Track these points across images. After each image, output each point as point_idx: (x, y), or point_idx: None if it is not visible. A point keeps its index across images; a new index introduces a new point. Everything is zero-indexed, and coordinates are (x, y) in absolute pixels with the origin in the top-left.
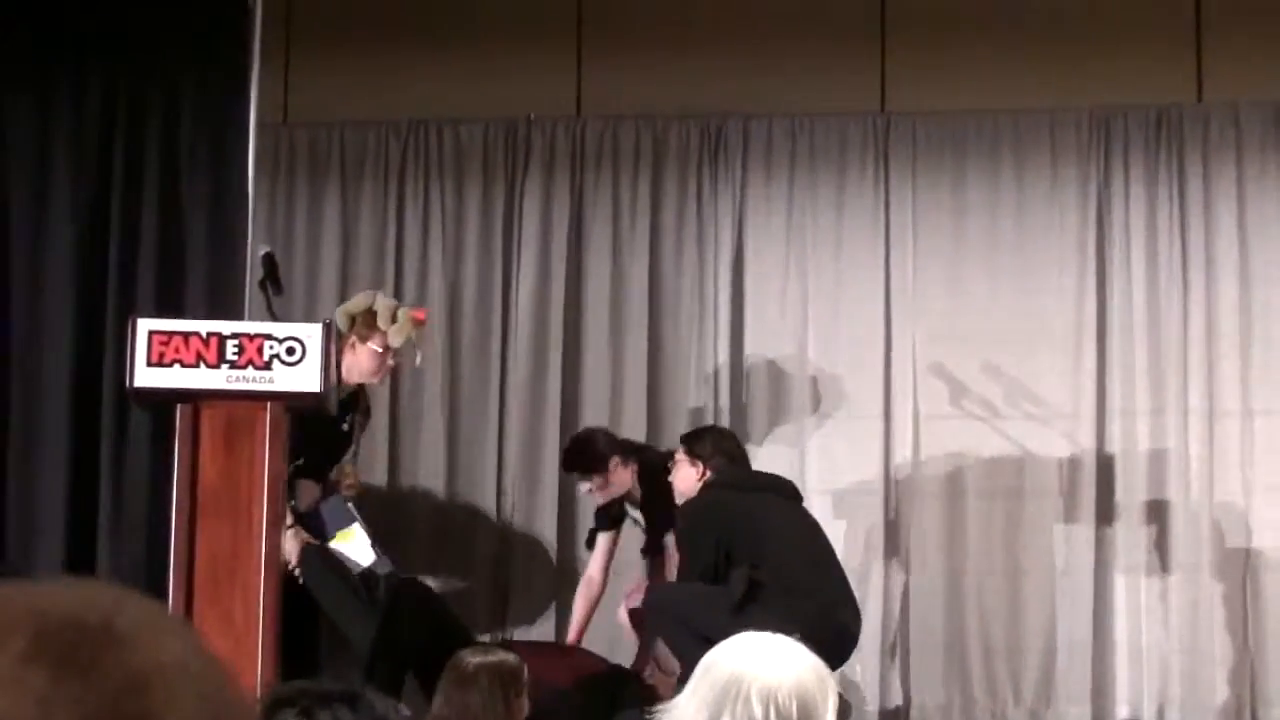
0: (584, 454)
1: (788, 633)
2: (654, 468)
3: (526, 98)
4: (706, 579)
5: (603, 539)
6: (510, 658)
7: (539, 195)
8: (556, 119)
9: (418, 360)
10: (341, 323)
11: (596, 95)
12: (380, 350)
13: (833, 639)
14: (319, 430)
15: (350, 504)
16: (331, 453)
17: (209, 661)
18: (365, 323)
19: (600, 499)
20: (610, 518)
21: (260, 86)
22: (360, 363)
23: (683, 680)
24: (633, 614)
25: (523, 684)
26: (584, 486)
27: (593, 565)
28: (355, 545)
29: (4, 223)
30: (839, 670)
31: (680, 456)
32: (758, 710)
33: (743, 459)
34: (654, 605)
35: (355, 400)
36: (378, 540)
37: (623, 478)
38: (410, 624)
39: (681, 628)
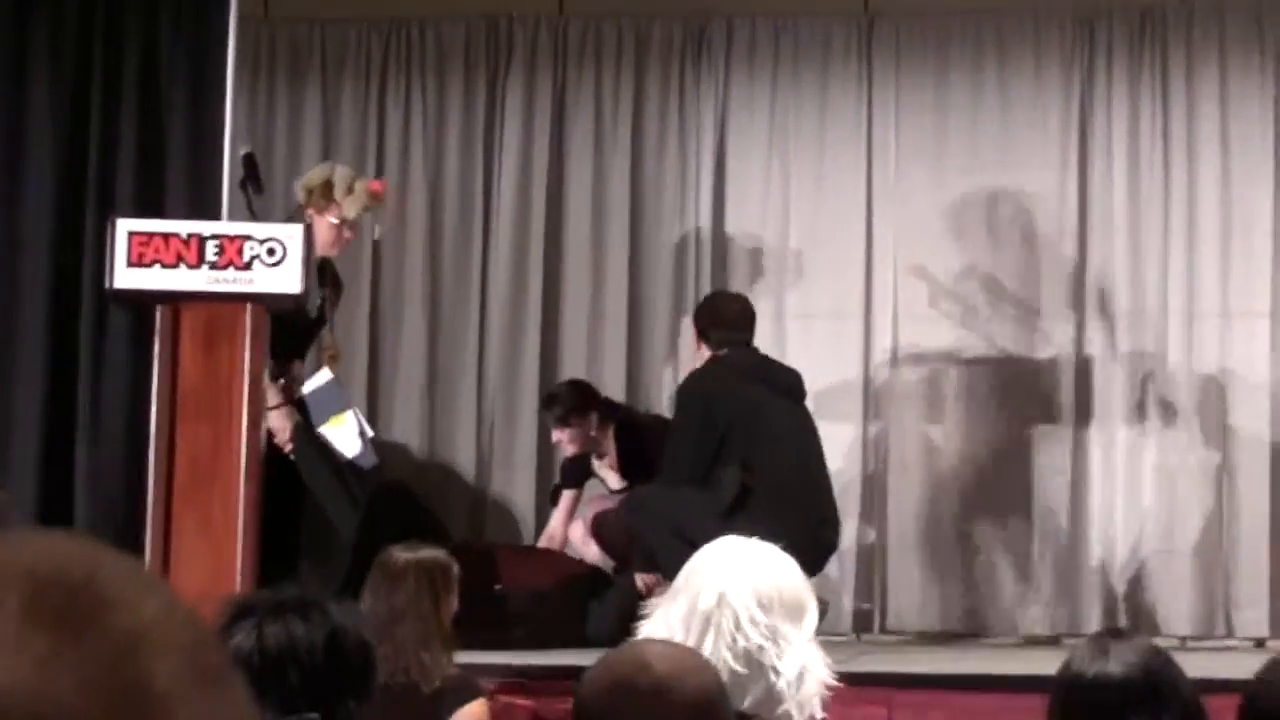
0: (566, 400)
1: (773, 543)
2: (634, 427)
3: None
4: (688, 466)
5: (566, 496)
6: (440, 554)
7: (521, 94)
8: (539, 17)
9: (377, 233)
10: (300, 195)
11: None
12: (336, 222)
13: (814, 554)
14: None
15: (339, 385)
16: (306, 329)
17: (189, 617)
18: (322, 194)
19: (570, 450)
20: (576, 475)
21: None
22: (318, 234)
23: (665, 577)
24: (597, 524)
25: (452, 580)
26: (557, 434)
27: (554, 521)
28: (344, 432)
29: None
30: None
31: (687, 326)
32: (742, 616)
33: (746, 326)
34: (636, 505)
35: (322, 274)
36: (366, 433)
37: (598, 436)
38: (389, 525)
39: (663, 527)
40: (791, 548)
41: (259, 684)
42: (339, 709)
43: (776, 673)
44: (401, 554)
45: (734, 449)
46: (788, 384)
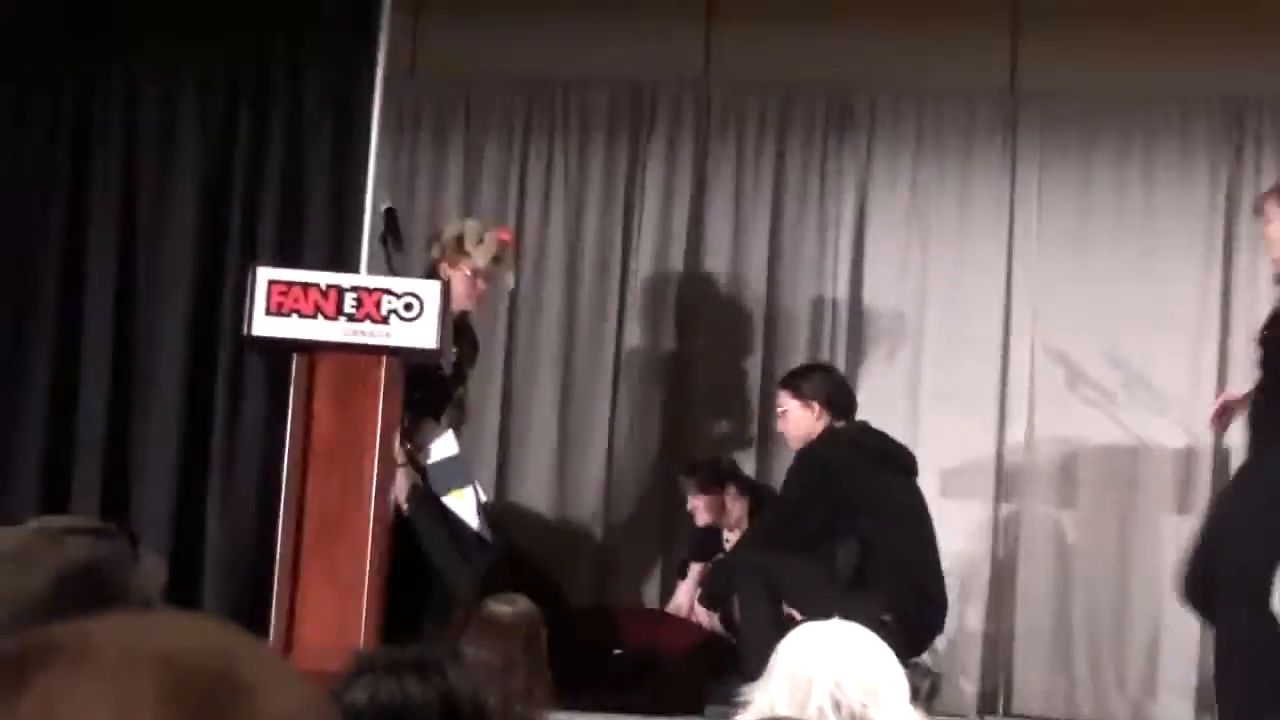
0: (707, 468)
1: (885, 620)
2: (767, 504)
3: (654, 62)
4: (794, 534)
5: (695, 569)
6: (535, 608)
7: (662, 160)
8: (683, 84)
9: (509, 282)
10: (434, 252)
11: (724, 62)
12: (470, 274)
13: (923, 633)
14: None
15: (462, 461)
16: (440, 386)
17: (321, 706)
18: (455, 248)
19: (703, 519)
20: (707, 548)
21: (389, 38)
22: (454, 288)
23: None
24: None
25: (544, 635)
26: (693, 501)
27: (680, 594)
28: (463, 506)
29: (131, 178)
30: (935, 649)
31: (789, 400)
32: (827, 704)
33: (853, 405)
34: (741, 564)
35: (459, 332)
36: (484, 507)
37: (733, 508)
38: (506, 588)
39: (763, 596)
40: (902, 626)
41: None
42: None
43: None
44: (503, 607)
45: (851, 522)
46: (904, 460)
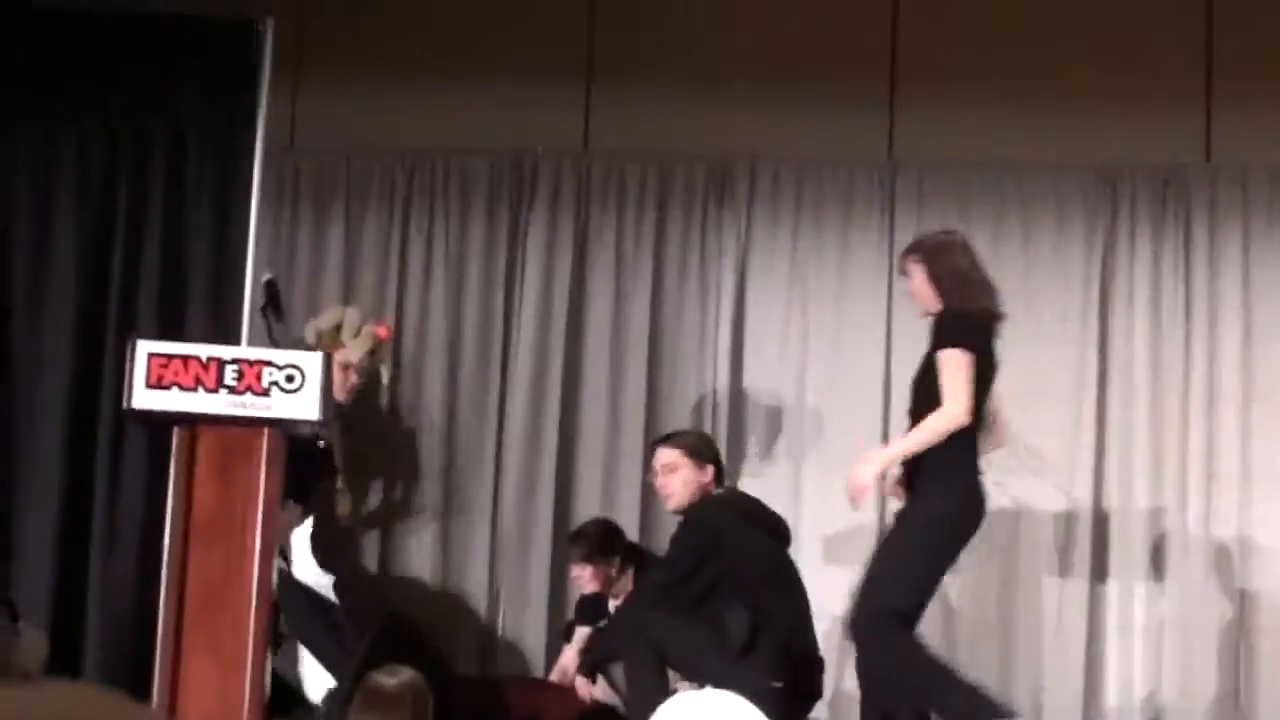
0: (593, 539)
1: (775, 686)
2: (651, 567)
3: (534, 132)
4: (681, 597)
5: (580, 632)
6: (421, 679)
7: (543, 230)
8: (563, 154)
9: (384, 379)
10: (309, 337)
11: (604, 132)
12: (343, 365)
13: (808, 697)
14: (295, 449)
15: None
16: (310, 472)
17: None
18: (331, 337)
19: (590, 588)
20: (592, 613)
21: (268, 111)
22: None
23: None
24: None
25: (430, 705)
26: (578, 571)
27: (565, 657)
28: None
29: (6, 244)
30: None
31: (680, 459)
32: None
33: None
34: (628, 627)
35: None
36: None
37: (618, 577)
38: (392, 659)
39: (649, 658)
40: (789, 691)
41: None
42: None
43: None
44: (388, 678)
45: (737, 587)
46: (778, 526)
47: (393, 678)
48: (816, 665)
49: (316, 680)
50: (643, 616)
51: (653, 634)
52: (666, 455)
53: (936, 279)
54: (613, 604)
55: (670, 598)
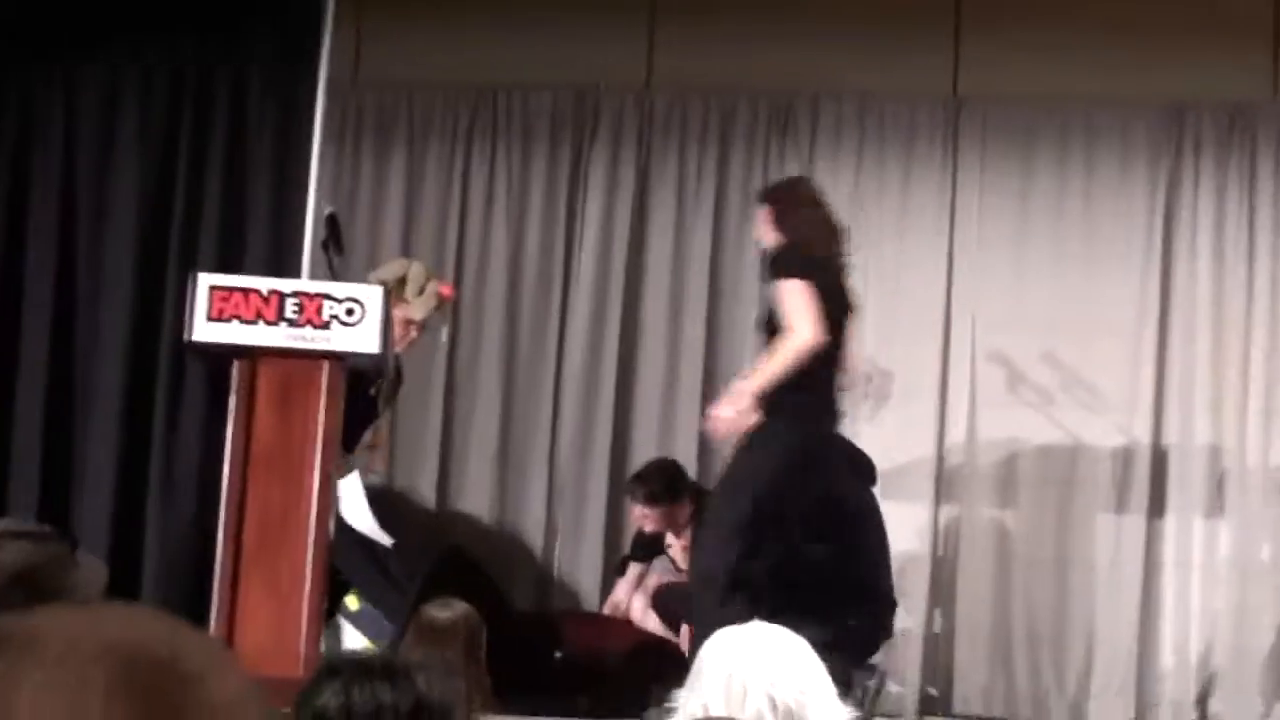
0: (663, 481)
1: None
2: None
3: (597, 68)
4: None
5: (635, 568)
6: (474, 611)
7: (605, 166)
8: (626, 90)
9: (443, 337)
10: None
11: (667, 68)
12: (404, 320)
13: (881, 634)
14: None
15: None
16: (358, 418)
17: (262, 695)
18: (395, 291)
19: (650, 528)
20: (648, 550)
21: (331, 47)
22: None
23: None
24: (659, 596)
25: (483, 638)
26: (642, 511)
27: (619, 591)
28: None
29: (71, 180)
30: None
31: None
32: (765, 705)
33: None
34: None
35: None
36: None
37: (680, 516)
38: (449, 591)
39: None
40: (863, 627)
41: None
42: None
43: None
44: (441, 611)
45: (818, 519)
46: (865, 467)
47: (445, 610)
48: (893, 604)
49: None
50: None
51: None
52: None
53: (777, 218)
54: (670, 543)
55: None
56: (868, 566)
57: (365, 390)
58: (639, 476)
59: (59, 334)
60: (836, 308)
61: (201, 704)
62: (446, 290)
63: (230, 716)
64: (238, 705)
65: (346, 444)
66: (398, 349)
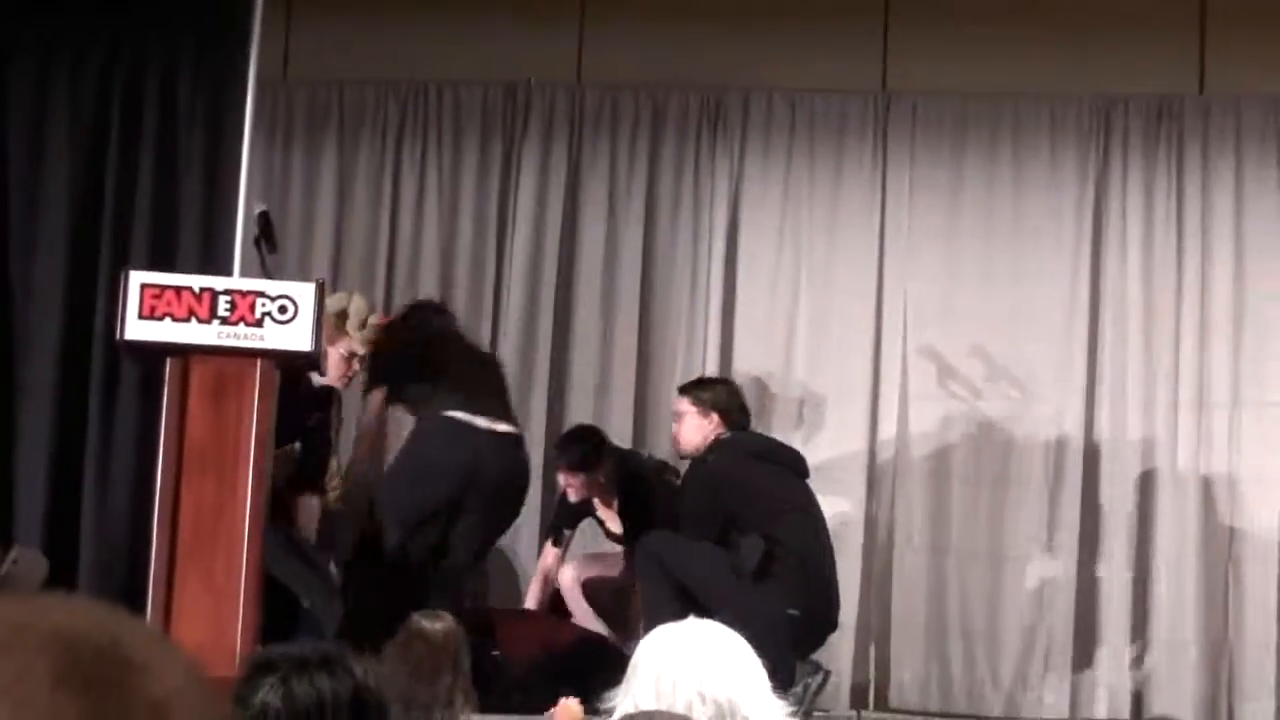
0: (585, 448)
1: (792, 614)
2: (638, 476)
3: (527, 62)
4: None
5: (564, 536)
6: (458, 625)
7: (536, 160)
8: (557, 84)
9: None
10: None
11: (597, 62)
12: (346, 355)
13: (824, 623)
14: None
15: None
16: (318, 454)
17: (204, 684)
18: (336, 325)
19: (575, 497)
20: (575, 515)
21: (261, 43)
22: (329, 365)
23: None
24: (590, 588)
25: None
26: (565, 479)
27: (547, 558)
28: None
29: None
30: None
31: (687, 407)
32: (695, 699)
33: (747, 420)
34: (648, 551)
35: (328, 399)
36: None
37: (605, 482)
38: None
39: (667, 581)
40: (808, 615)
41: None
42: None
43: None
44: (432, 624)
45: (751, 522)
46: (795, 464)
47: (438, 623)
48: (833, 599)
49: None
50: (657, 543)
51: (670, 557)
52: (675, 403)
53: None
54: (597, 505)
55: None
56: (815, 559)
57: (306, 418)
58: (563, 441)
59: None
60: None
61: (146, 692)
62: (384, 322)
63: (174, 705)
64: (181, 694)
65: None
66: (341, 384)
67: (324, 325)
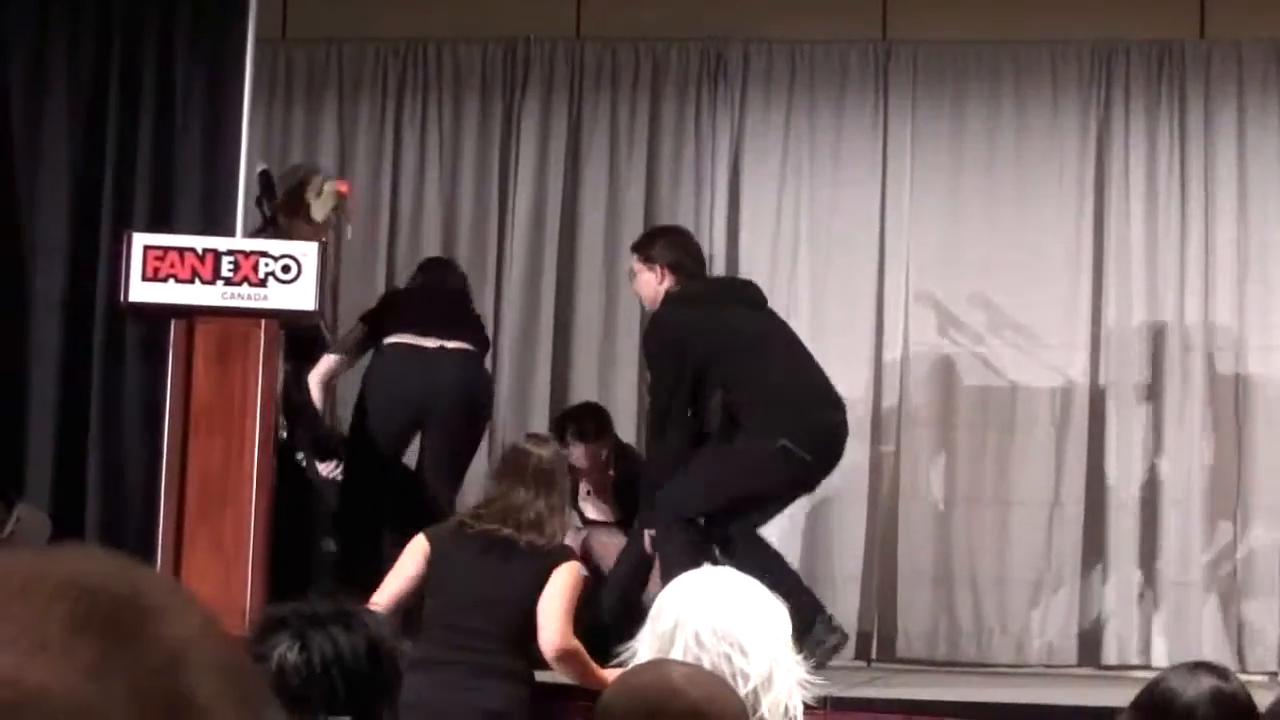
0: (590, 420)
1: (784, 445)
2: (633, 459)
3: (526, 19)
4: (677, 401)
5: None
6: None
7: (537, 117)
8: (556, 40)
9: (348, 234)
10: (268, 200)
11: (596, 17)
12: (308, 224)
13: (823, 441)
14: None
15: None
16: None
17: (223, 633)
18: (295, 195)
19: (583, 465)
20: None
21: (259, 3)
22: (299, 237)
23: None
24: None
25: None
26: (577, 452)
27: None
28: None
29: (2, 141)
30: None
31: (636, 264)
32: (686, 642)
33: (700, 258)
34: (659, 510)
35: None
36: None
37: (604, 463)
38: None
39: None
40: (800, 444)
41: (306, 693)
42: (376, 715)
43: (745, 678)
44: (543, 449)
45: (715, 373)
46: (746, 292)
47: (544, 447)
48: (829, 402)
49: None
50: (661, 496)
51: (672, 504)
52: (630, 264)
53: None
54: (582, 492)
55: (673, 413)
56: (799, 388)
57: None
58: (571, 415)
59: None
60: None
61: (163, 638)
62: (344, 187)
63: (192, 652)
64: (199, 641)
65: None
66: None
67: (286, 199)
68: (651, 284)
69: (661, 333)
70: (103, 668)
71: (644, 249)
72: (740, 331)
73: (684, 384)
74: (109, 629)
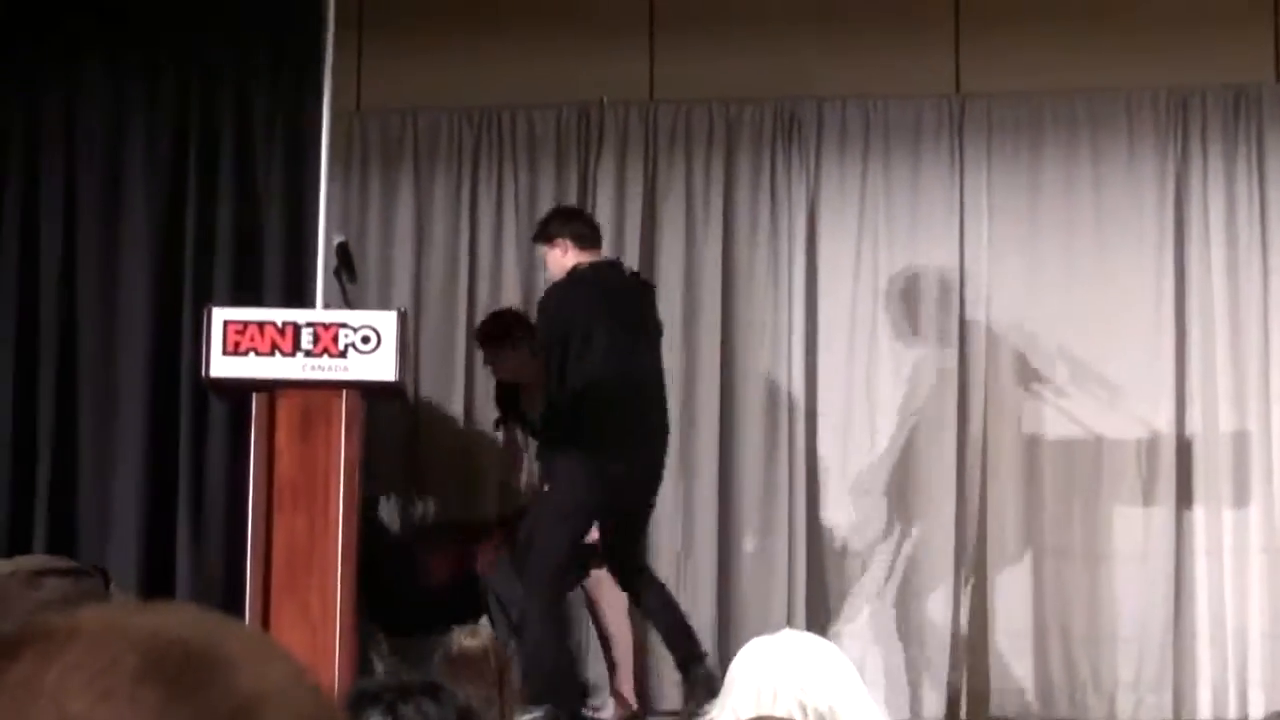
0: (491, 323)
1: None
2: None
3: (599, 82)
4: (553, 371)
5: (503, 430)
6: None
7: (612, 180)
8: (629, 103)
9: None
10: None
11: (669, 79)
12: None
13: (640, 471)
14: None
15: None
16: None
17: (311, 688)
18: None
19: (496, 374)
20: (508, 401)
21: (333, 75)
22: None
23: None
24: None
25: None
26: (484, 358)
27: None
28: None
29: (76, 216)
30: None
31: (541, 246)
32: (795, 708)
33: (595, 235)
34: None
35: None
36: None
37: (523, 364)
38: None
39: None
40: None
41: None
42: None
43: None
44: (472, 640)
45: (577, 352)
46: (640, 288)
47: (474, 639)
48: (647, 438)
49: None
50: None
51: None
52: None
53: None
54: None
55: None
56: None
57: None
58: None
59: (70, 375)
60: None
61: (235, 688)
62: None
63: (269, 703)
64: (279, 693)
65: None
66: None
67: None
68: (559, 260)
69: (548, 305)
70: (166, 714)
71: (542, 234)
72: (605, 331)
73: (563, 359)
74: (178, 678)
